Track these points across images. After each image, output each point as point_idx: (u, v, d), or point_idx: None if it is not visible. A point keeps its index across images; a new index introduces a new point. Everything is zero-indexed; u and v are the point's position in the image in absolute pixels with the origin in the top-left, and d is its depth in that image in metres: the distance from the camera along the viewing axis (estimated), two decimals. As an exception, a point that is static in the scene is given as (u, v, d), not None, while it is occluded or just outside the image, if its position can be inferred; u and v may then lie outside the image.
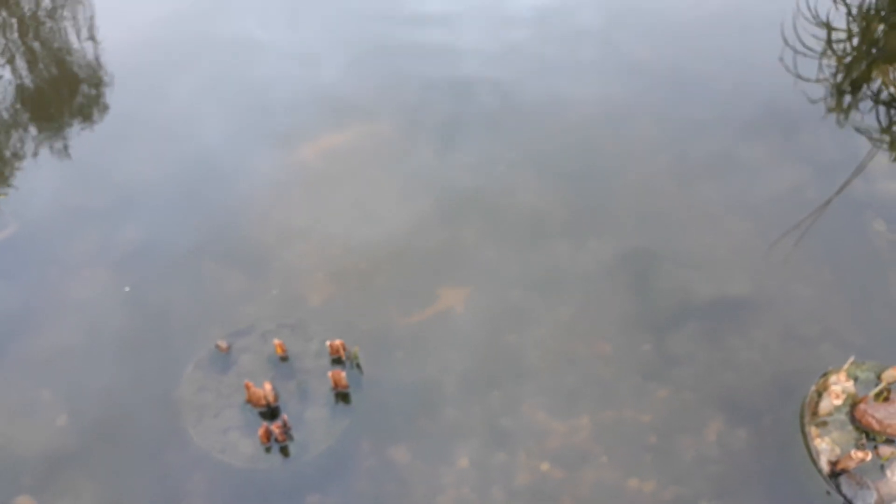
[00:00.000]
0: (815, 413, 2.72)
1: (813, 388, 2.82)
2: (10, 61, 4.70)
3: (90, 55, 4.79)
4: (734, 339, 3.14)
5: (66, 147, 4.09)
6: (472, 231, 3.59)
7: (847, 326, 3.14)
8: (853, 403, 2.70)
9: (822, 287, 3.30)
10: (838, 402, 2.69)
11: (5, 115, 4.30)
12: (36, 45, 4.90)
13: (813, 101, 4.27)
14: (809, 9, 4.92)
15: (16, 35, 4.96)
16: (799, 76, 4.42)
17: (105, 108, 4.38)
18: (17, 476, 2.81)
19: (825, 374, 2.85)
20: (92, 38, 4.93)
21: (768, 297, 3.28)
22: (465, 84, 4.46)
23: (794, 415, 2.85)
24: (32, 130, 4.22)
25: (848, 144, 4.01)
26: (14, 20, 5.08)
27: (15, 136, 4.18)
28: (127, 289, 3.34)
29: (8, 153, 4.07)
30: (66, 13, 5.19)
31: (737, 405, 2.93)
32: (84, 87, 4.55)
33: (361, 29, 4.95)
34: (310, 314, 3.23)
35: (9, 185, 3.85)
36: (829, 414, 2.69)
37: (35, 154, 4.06)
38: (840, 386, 2.70)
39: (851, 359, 2.81)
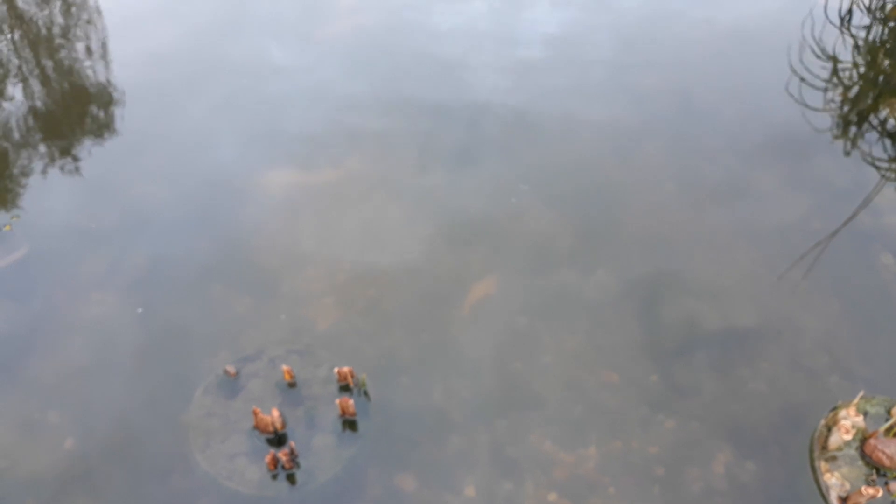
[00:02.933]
0: (824, 447, 2.71)
1: (822, 421, 2.81)
2: (24, 80, 4.75)
3: (103, 75, 4.84)
4: (742, 369, 3.13)
5: (77, 168, 4.12)
6: (479, 257, 3.60)
7: (855, 359, 3.13)
8: (863, 438, 2.69)
9: (830, 319, 3.30)
10: (848, 436, 2.68)
11: (18, 136, 4.34)
12: (49, 64, 4.96)
13: (819, 131, 4.30)
14: (815, 40, 4.97)
15: (29, 54, 5.02)
16: (805, 105, 4.45)
17: (117, 128, 4.42)
18: (23, 498, 2.80)
19: (835, 409, 2.85)
20: (104, 57, 4.99)
21: (776, 328, 3.28)
22: (475, 109, 4.50)
23: (803, 448, 2.84)
24: (45, 151, 4.25)
25: (855, 175, 4.03)
26: (27, 40, 5.15)
27: (28, 156, 4.22)
28: (140, 310, 3.36)
29: (20, 174, 4.10)
30: (79, 32, 5.26)
31: (745, 437, 2.92)
32: (96, 108, 4.59)
33: (375, 54, 5.01)
34: (318, 339, 3.24)
35: (19, 207, 3.87)
36: (839, 449, 2.68)
37: (47, 175, 4.09)
38: (850, 420, 2.69)
39: (861, 393, 2.81)
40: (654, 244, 3.65)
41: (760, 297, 3.40)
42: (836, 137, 4.29)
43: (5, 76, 4.80)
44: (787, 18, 5.21)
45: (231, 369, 3.04)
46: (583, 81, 4.72)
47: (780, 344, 3.22)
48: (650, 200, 3.88)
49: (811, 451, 2.77)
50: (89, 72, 4.90)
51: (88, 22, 5.39)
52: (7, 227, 3.70)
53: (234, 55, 5.01)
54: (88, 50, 5.08)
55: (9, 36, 5.17)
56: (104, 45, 5.14)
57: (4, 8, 5.48)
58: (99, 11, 5.51)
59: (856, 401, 2.78)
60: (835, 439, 2.69)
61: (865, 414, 2.77)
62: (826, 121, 4.39)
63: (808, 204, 3.85)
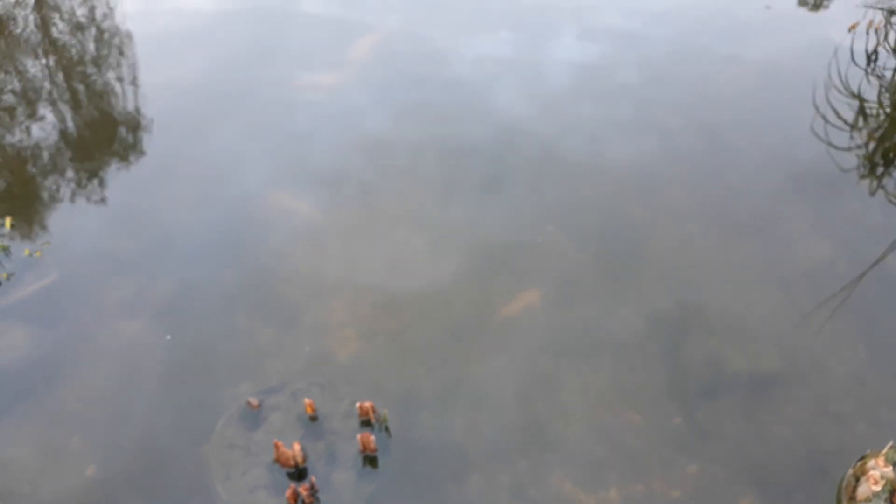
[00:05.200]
0: (852, 498, 2.67)
1: (850, 471, 2.76)
2: (56, 106, 4.86)
3: (132, 102, 4.94)
4: (766, 413, 3.10)
5: (106, 194, 4.19)
6: (502, 292, 3.60)
7: (883, 406, 3.09)
8: (892, 490, 2.64)
9: (857, 364, 3.26)
10: (877, 487, 2.63)
11: (50, 162, 4.43)
12: (80, 90, 5.06)
13: (845, 171, 4.28)
14: (841, 80, 4.96)
15: (61, 80, 5.13)
16: (831, 145, 4.44)
17: (145, 155, 4.50)
18: (43, 526, 2.83)
19: (863, 458, 2.80)
20: (135, 84, 5.09)
21: (801, 372, 3.24)
22: (501, 141, 4.54)
23: (829, 497, 2.79)
24: (75, 178, 4.33)
25: (881, 216, 4.00)
26: (60, 66, 5.27)
27: (59, 183, 4.30)
28: (168, 337, 3.39)
29: (52, 200, 4.17)
30: (110, 60, 5.37)
31: (769, 483, 2.88)
32: (125, 134, 4.68)
33: (401, 84, 5.07)
34: (339, 372, 3.25)
35: (50, 233, 3.93)
36: (868, 500, 2.63)
37: (77, 201, 4.16)
38: (879, 471, 2.64)
39: (891, 443, 2.76)
40: (679, 283, 3.64)
41: (786, 339, 3.37)
42: (863, 177, 4.27)
43: (37, 100, 4.91)
44: (813, 57, 5.22)
45: (254, 401, 3.06)
46: (608, 116, 4.75)
47: (806, 388, 3.18)
48: (674, 238, 3.88)
49: (838, 501, 2.72)
50: (119, 98, 4.99)
51: (120, 50, 5.51)
52: (38, 254, 3.76)
53: (263, 84, 5.10)
54: (119, 77, 5.19)
55: (43, 62, 5.29)
56: (134, 73, 5.25)
57: (40, 35, 5.61)
58: (130, 38, 5.64)
59: (885, 451, 2.74)
60: (863, 490, 2.64)
61: (894, 465, 2.73)
62: (852, 160, 4.38)
63: (835, 245, 3.83)
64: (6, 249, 3.77)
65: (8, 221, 3.92)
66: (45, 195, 4.21)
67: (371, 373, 3.25)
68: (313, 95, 4.97)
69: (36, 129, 4.67)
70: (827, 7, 5.95)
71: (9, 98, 4.94)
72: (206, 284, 3.66)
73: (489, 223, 3.97)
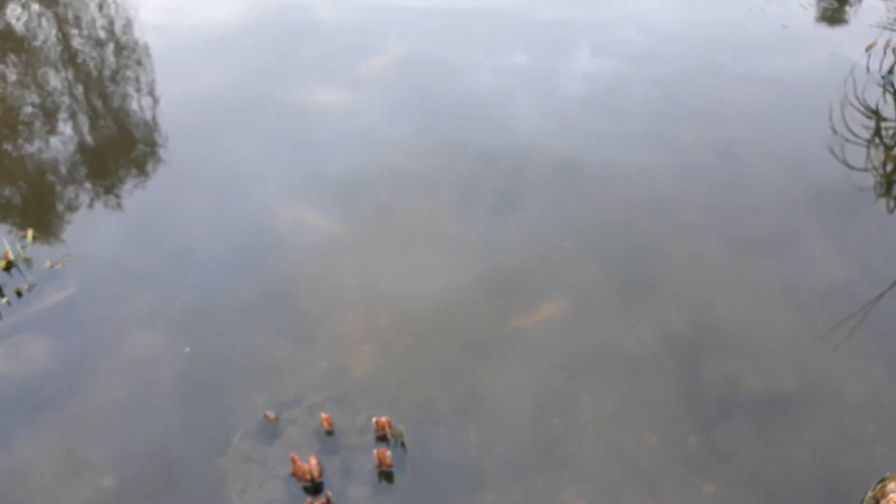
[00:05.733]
0: (870, 521, 2.65)
1: (870, 493, 2.75)
2: (74, 118, 4.92)
3: (151, 115, 5.00)
4: (783, 434, 3.08)
5: (126, 207, 4.24)
6: (518, 308, 3.61)
7: (902, 429, 3.07)
8: (911, 513, 2.63)
9: (876, 385, 3.24)
10: (896, 511, 2.62)
11: (71, 176, 4.49)
12: (99, 104, 5.13)
13: (862, 190, 4.27)
14: (858, 98, 4.96)
15: (81, 93, 5.21)
16: (848, 164, 4.43)
17: (163, 168, 4.55)
18: (61, 537, 2.85)
19: (883, 480, 2.78)
20: (153, 98, 5.16)
21: (819, 393, 3.23)
22: (516, 155, 4.57)
23: (847, 520, 2.78)
24: (96, 190, 4.39)
25: (899, 236, 3.99)
26: (80, 80, 5.34)
27: (79, 195, 4.35)
28: (187, 349, 3.42)
29: (72, 212, 4.23)
30: (130, 73, 5.45)
31: (787, 505, 2.86)
32: (143, 148, 4.74)
33: (417, 98, 5.12)
34: (355, 387, 3.26)
35: (70, 245, 3.98)
36: (886, 523, 2.62)
37: (98, 214, 4.22)
38: (898, 495, 2.62)
39: (909, 466, 2.74)
40: (695, 301, 3.63)
41: (803, 359, 3.36)
42: (880, 196, 4.26)
43: (57, 113, 4.98)
44: (829, 76, 5.22)
45: (271, 415, 3.07)
46: (624, 133, 4.76)
47: (824, 409, 3.16)
48: (690, 256, 3.88)
49: (857, 524, 2.71)
50: (138, 111, 5.06)
51: (139, 62, 5.59)
52: (59, 265, 3.81)
53: (280, 97, 5.15)
54: (138, 89, 5.26)
55: (62, 75, 5.37)
56: (153, 85, 5.32)
57: (60, 48, 5.70)
58: (149, 51, 5.72)
59: (904, 473, 2.72)
60: (882, 513, 2.62)
61: (914, 488, 2.71)
62: (869, 179, 4.37)
63: (852, 264, 3.81)
64: (28, 261, 3.82)
65: (30, 233, 3.97)
66: (65, 207, 4.26)
67: (387, 387, 3.26)
68: (330, 109, 5.02)
69: (56, 142, 4.74)
70: (843, 26, 5.95)
71: (29, 111, 5.02)
72: (223, 297, 3.69)
73: (504, 239, 3.99)
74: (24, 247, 3.92)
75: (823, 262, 3.83)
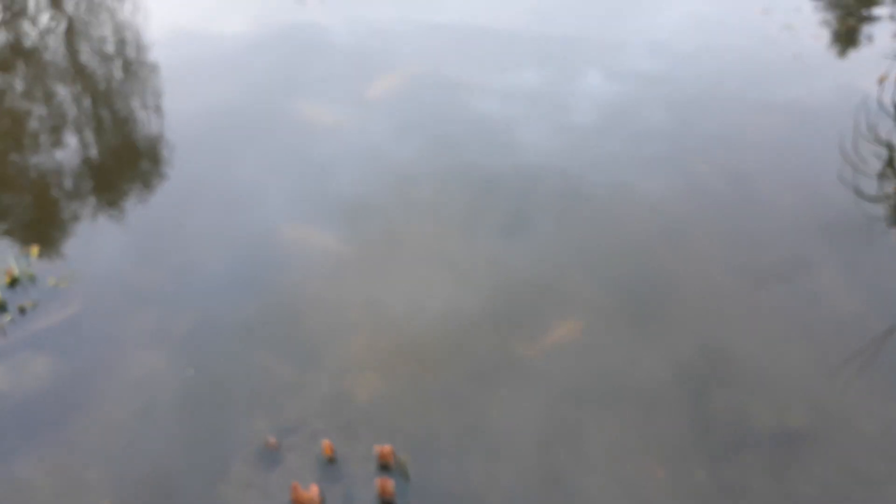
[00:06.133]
0: (883, 565, 2.58)
1: (881, 536, 2.69)
2: (81, 133, 4.93)
3: (157, 131, 5.00)
4: (793, 471, 3.02)
5: (130, 223, 4.23)
6: (525, 337, 3.57)
7: (915, 468, 3.01)
8: (925, 558, 2.56)
9: (888, 422, 3.18)
10: (909, 555, 2.55)
11: (76, 193, 4.48)
12: (106, 120, 5.14)
13: (874, 221, 4.23)
14: (870, 128, 4.93)
15: (88, 109, 5.22)
16: (860, 195, 4.39)
17: (169, 185, 4.54)
18: (56, 562, 2.80)
19: (895, 524, 2.72)
20: (159, 114, 5.17)
21: (830, 429, 3.17)
22: (526, 177, 4.55)
23: (859, 562, 2.71)
24: (100, 206, 4.38)
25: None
26: (87, 94, 5.36)
27: (84, 211, 4.34)
28: (191, 371, 3.39)
29: (77, 229, 4.22)
30: (136, 87, 5.46)
31: (797, 545, 2.80)
32: (150, 163, 4.73)
33: (426, 118, 5.11)
34: (358, 413, 3.22)
35: (72, 260, 3.96)
36: (900, 568, 2.55)
37: (101, 229, 4.20)
38: (912, 539, 2.56)
39: (923, 509, 2.68)
40: (704, 332, 3.59)
41: (814, 394, 3.30)
42: (893, 227, 4.22)
43: (63, 127, 4.99)
44: (841, 105, 5.20)
45: (272, 440, 3.03)
46: (633, 157, 4.74)
47: (834, 446, 3.10)
48: (700, 286, 3.84)
49: (869, 567, 2.64)
50: (145, 126, 5.07)
51: (147, 77, 5.60)
52: (63, 284, 3.79)
53: (286, 114, 5.16)
54: (145, 104, 5.27)
55: (70, 88, 5.39)
56: (160, 102, 5.33)
57: (68, 62, 5.73)
58: (156, 68, 5.74)
59: (917, 516, 2.66)
60: (895, 557, 2.55)
61: (928, 531, 2.64)
62: (881, 210, 4.33)
63: (864, 296, 3.76)
64: (32, 277, 3.81)
65: (35, 250, 3.96)
66: (70, 222, 4.25)
67: (390, 414, 3.22)
68: (338, 127, 5.02)
69: (62, 156, 4.74)
70: (855, 57, 5.94)
71: (36, 124, 5.03)
72: (227, 316, 3.66)
73: (513, 263, 3.96)
74: (28, 263, 3.90)
75: (835, 293, 3.78)
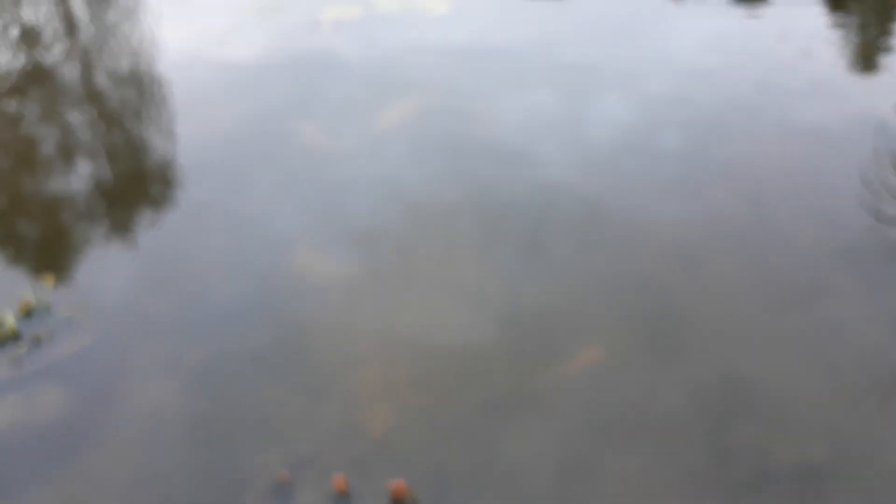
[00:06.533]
0: None
1: (908, 579, 2.61)
2: (93, 159, 4.97)
3: (170, 156, 5.04)
4: (815, 507, 2.95)
5: (145, 250, 4.25)
6: (540, 368, 3.53)
7: (942, 505, 2.92)
8: None
9: (912, 457, 3.11)
10: None
11: (88, 216, 4.52)
12: (119, 143, 5.19)
13: (894, 248, 4.16)
14: (888, 154, 4.88)
15: (101, 132, 5.27)
16: (881, 220, 4.33)
17: (180, 211, 4.57)
18: None
19: (922, 565, 2.64)
20: (172, 139, 5.20)
21: (851, 464, 3.10)
22: (540, 202, 4.52)
23: None
24: (114, 234, 4.41)
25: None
26: (101, 118, 5.42)
27: (99, 239, 4.37)
28: (202, 403, 3.38)
29: (91, 257, 4.24)
30: (150, 113, 5.52)
31: (820, 585, 2.73)
32: (163, 190, 4.76)
33: (439, 141, 5.12)
34: (371, 447, 3.19)
35: (87, 289, 3.98)
36: None
37: (116, 258, 4.22)
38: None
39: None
40: (723, 362, 3.53)
41: (835, 426, 3.23)
42: (912, 254, 4.15)
43: (76, 153, 5.04)
44: (859, 130, 5.16)
45: (285, 475, 3.01)
46: (651, 182, 4.71)
47: (856, 481, 3.03)
48: (719, 315, 3.78)
49: None
50: (158, 151, 5.11)
51: (160, 105, 5.66)
52: (77, 314, 3.80)
53: (299, 139, 5.18)
54: (158, 132, 5.31)
55: (84, 115, 5.45)
56: (173, 128, 5.37)
57: (80, 87, 5.81)
58: (171, 91, 5.80)
59: (945, 557, 2.58)
60: None
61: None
62: (900, 236, 4.27)
63: (885, 325, 3.70)
64: (48, 308, 3.83)
65: (50, 280, 3.99)
66: (84, 251, 4.28)
67: (403, 448, 3.18)
68: (350, 152, 5.03)
69: (77, 183, 4.78)
70: (872, 84, 5.89)
71: (50, 150, 5.09)
72: (238, 346, 3.66)
73: (528, 291, 3.93)
74: (43, 293, 3.93)
75: (856, 321, 3.72)
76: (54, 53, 6.32)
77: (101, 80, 5.99)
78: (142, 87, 5.90)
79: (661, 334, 3.69)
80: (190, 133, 5.32)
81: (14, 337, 3.69)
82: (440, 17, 6.84)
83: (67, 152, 5.11)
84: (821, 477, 3.06)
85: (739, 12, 6.86)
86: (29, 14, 6.86)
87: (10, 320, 3.72)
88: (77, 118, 5.50)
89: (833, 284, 3.93)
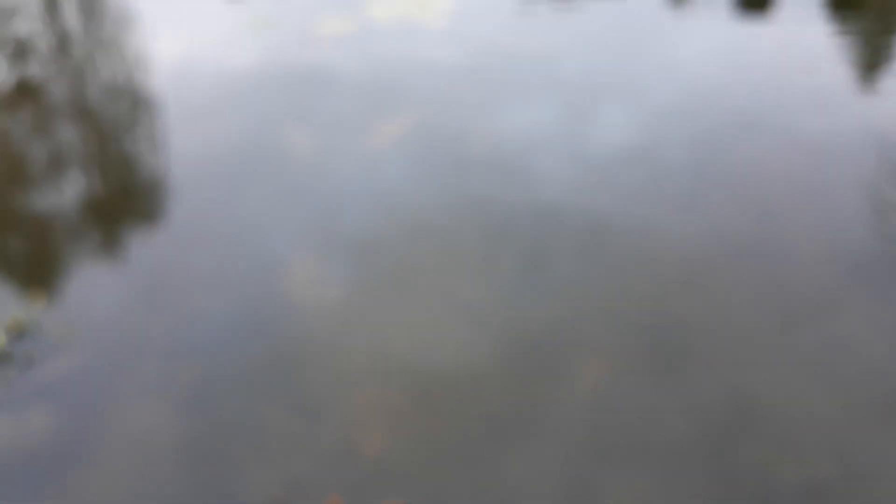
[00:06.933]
0: None
1: None
2: (85, 173, 4.92)
3: (163, 170, 4.99)
4: (823, 527, 2.89)
5: (135, 269, 4.19)
6: (541, 389, 3.47)
7: (953, 525, 2.86)
8: None
9: (921, 475, 3.04)
10: None
11: (79, 234, 4.46)
12: (112, 158, 5.14)
13: (897, 260, 4.12)
14: (893, 168, 4.85)
15: (94, 148, 5.23)
16: (886, 236, 4.29)
17: (174, 225, 4.51)
18: None
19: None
20: (167, 153, 5.16)
21: (858, 483, 3.03)
22: (541, 218, 4.48)
23: None
24: (105, 253, 4.35)
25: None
26: (94, 132, 5.38)
27: (89, 258, 4.32)
28: (198, 422, 3.32)
29: (82, 276, 4.18)
30: (143, 126, 5.47)
31: None
32: (154, 205, 4.71)
33: (438, 156, 5.07)
34: (366, 468, 3.12)
35: (73, 308, 3.92)
36: None
37: (107, 277, 4.17)
38: None
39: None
40: (728, 380, 3.47)
41: (841, 446, 3.17)
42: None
43: (66, 168, 4.99)
44: (863, 144, 5.13)
45: (279, 497, 2.94)
46: (655, 196, 4.67)
47: (863, 502, 2.96)
48: (724, 332, 3.73)
49: None
50: (150, 169, 5.06)
51: (152, 118, 5.61)
52: (68, 334, 3.74)
53: (294, 153, 5.13)
54: (152, 144, 5.26)
55: (75, 129, 5.41)
56: (164, 141, 5.32)
57: (71, 100, 5.77)
58: (163, 105, 5.75)
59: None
60: None
61: None
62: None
63: (891, 341, 3.64)
64: (38, 328, 3.77)
65: (41, 301, 3.93)
66: (75, 270, 4.22)
67: (400, 469, 3.12)
68: (345, 166, 4.99)
69: (68, 198, 4.73)
70: (876, 99, 5.87)
71: (40, 166, 5.04)
72: (230, 366, 3.59)
73: (531, 309, 3.87)
74: (34, 313, 3.87)
75: (861, 338, 3.66)
76: (46, 67, 6.28)
77: (93, 93, 5.95)
78: (134, 101, 5.86)
79: (665, 352, 3.63)
80: (182, 147, 5.27)
81: (4, 357, 3.63)
82: (439, 31, 6.81)
83: (58, 167, 5.06)
84: (827, 496, 2.99)
85: (743, 26, 6.84)
86: (21, 27, 6.83)
87: (1, 340, 3.66)
88: (68, 133, 5.45)
89: (838, 300, 3.88)
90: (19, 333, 3.74)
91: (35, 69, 6.29)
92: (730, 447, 3.18)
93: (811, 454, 3.13)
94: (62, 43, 6.67)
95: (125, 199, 4.80)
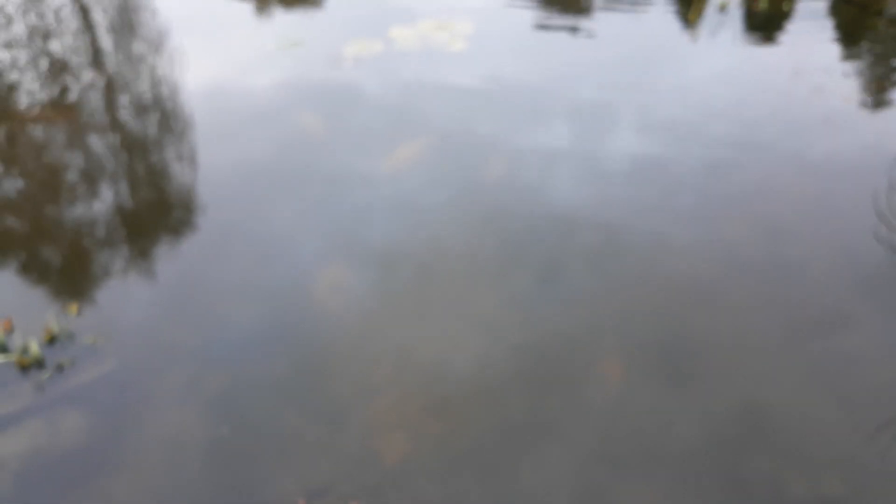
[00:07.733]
0: None
1: None
2: (116, 187, 5.07)
3: (192, 184, 5.13)
4: (835, 542, 2.93)
5: (166, 278, 4.32)
6: (556, 400, 3.54)
7: (963, 542, 2.89)
8: None
9: (933, 492, 3.08)
10: None
11: (111, 244, 4.60)
12: (141, 173, 5.29)
13: (911, 281, 4.16)
14: (903, 186, 4.89)
15: (124, 161, 5.38)
16: (895, 253, 4.34)
17: (204, 237, 4.64)
18: None
19: None
20: (194, 167, 5.30)
21: (866, 499, 3.07)
22: (556, 236, 4.56)
23: None
24: (136, 261, 4.48)
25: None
26: (124, 147, 5.54)
27: (121, 266, 4.45)
28: (225, 430, 3.42)
29: (114, 284, 4.32)
30: (173, 142, 5.63)
31: None
32: (185, 217, 4.85)
33: (458, 171, 5.18)
34: (386, 476, 3.21)
35: (108, 316, 4.05)
36: None
37: (138, 285, 4.30)
38: None
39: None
40: (739, 394, 3.53)
41: (851, 460, 3.21)
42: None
43: (99, 181, 5.14)
44: (873, 164, 5.18)
45: (302, 502, 3.02)
46: (666, 214, 4.74)
47: (877, 517, 3.01)
48: (734, 346, 3.79)
49: None
50: (180, 183, 5.20)
51: (182, 134, 5.77)
52: (100, 341, 3.87)
53: (320, 169, 5.26)
54: (181, 160, 5.42)
55: (107, 142, 5.57)
56: (194, 155, 5.47)
57: (105, 116, 5.94)
58: (193, 123, 5.91)
59: None
60: None
61: None
62: (917, 270, 4.26)
63: (902, 358, 3.69)
64: (71, 335, 3.89)
65: (74, 308, 4.06)
66: (107, 278, 4.36)
67: (420, 476, 3.20)
68: (371, 180, 5.10)
69: (101, 210, 4.88)
70: (885, 120, 5.93)
71: (74, 178, 5.20)
72: (256, 375, 3.70)
73: (548, 322, 3.95)
74: (67, 320, 4.00)
75: (871, 353, 3.71)
76: (80, 83, 6.48)
77: (126, 109, 6.13)
78: (165, 118, 6.03)
79: (676, 365, 3.70)
80: (212, 162, 5.42)
81: (38, 363, 3.76)
82: (458, 54, 6.96)
83: (91, 180, 5.22)
84: (840, 512, 3.04)
85: (753, 48, 6.94)
86: (56, 45, 7.06)
87: (35, 347, 3.79)
88: (101, 146, 5.62)
89: (848, 316, 3.93)
90: (52, 340, 3.86)
91: (69, 84, 6.49)
92: (739, 459, 3.23)
93: (820, 469, 3.18)
94: (95, 60, 6.88)
95: (156, 212, 4.95)
